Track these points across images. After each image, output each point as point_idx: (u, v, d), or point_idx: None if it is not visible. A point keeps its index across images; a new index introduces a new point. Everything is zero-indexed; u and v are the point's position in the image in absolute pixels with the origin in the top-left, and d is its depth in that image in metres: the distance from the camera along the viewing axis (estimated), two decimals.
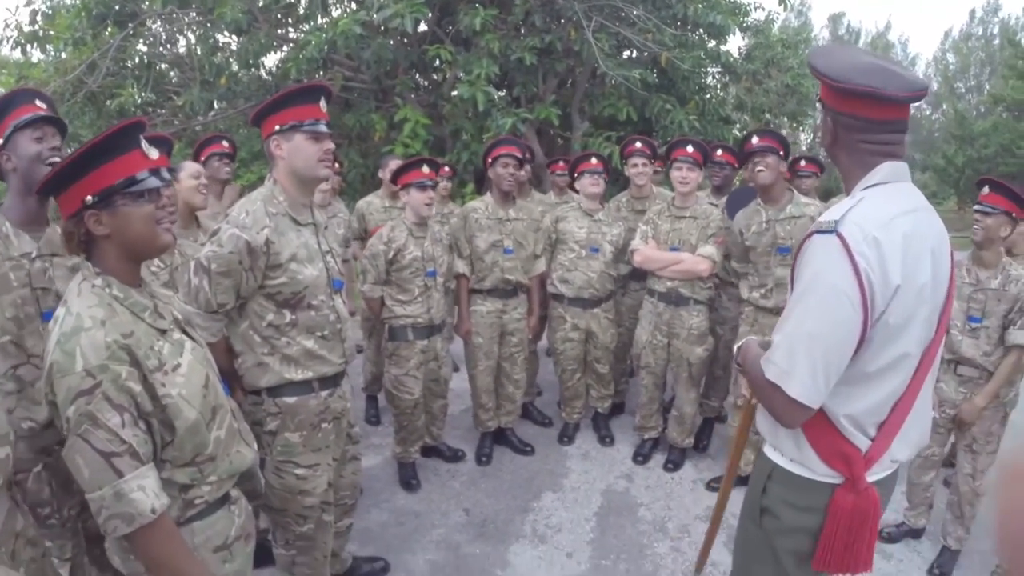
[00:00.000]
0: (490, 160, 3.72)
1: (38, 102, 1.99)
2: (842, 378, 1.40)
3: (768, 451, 1.63)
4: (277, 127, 2.08)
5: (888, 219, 1.35)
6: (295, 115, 2.08)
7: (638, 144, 4.07)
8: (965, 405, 2.89)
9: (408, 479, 3.67)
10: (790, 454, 1.54)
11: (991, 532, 0.56)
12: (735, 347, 1.77)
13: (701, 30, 7.79)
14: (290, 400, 2.18)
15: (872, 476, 1.50)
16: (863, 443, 1.46)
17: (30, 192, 1.88)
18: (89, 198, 1.35)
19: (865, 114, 1.40)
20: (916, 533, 3.28)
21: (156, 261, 2.48)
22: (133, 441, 1.30)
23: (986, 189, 2.80)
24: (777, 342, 1.43)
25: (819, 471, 1.49)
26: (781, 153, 3.26)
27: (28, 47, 7.31)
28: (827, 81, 1.40)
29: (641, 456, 4.05)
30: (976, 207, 2.83)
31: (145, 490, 1.30)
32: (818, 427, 1.46)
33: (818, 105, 1.55)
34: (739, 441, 1.98)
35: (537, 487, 3.73)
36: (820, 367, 1.36)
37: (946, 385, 2.99)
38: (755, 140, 3.27)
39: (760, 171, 3.25)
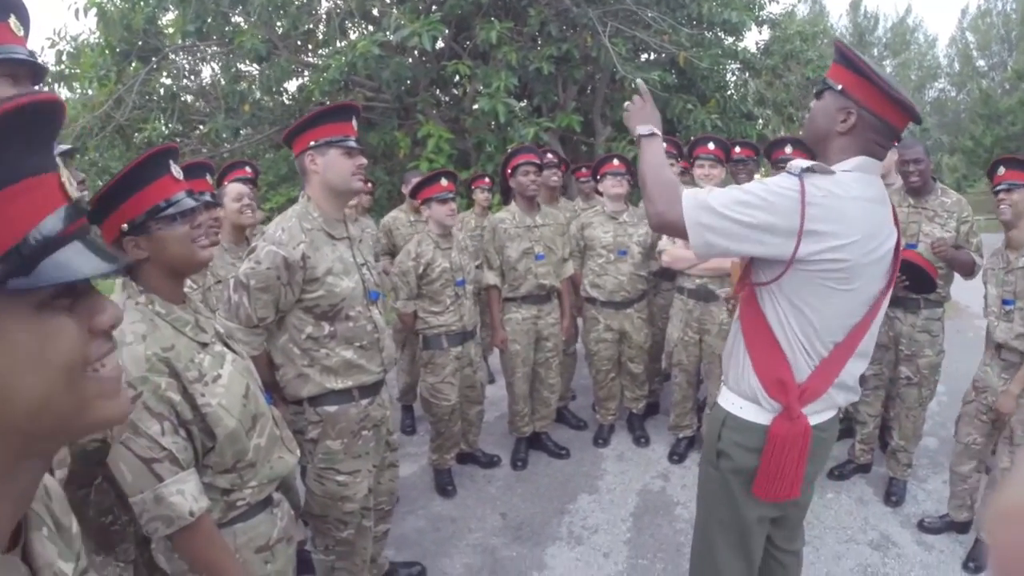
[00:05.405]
0: (510, 170, 3.78)
1: None
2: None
3: (722, 400, 1.81)
4: (312, 143, 2.15)
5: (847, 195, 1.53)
6: (329, 131, 2.15)
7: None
8: (1001, 396, 2.78)
9: (444, 485, 3.72)
10: (743, 393, 1.72)
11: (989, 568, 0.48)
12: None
13: (717, 28, 7.79)
14: (331, 409, 2.24)
15: (814, 416, 1.69)
16: (802, 373, 1.63)
17: None
18: (125, 226, 1.43)
19: (891, 120, 1.57)
20: (961, 527, 3.13)
21: (188, 282, 2.57)
22: (173, 448, 1.38)
23: (1002, 169, 2.77)
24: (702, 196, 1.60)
25: (763, 404, 1.68)
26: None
27: (55, 86, 7.54)
28: (880, 84, 1.53)
29: (676, 455, 4.05)
30: (998, 188, 2.77)
31: (184, 494, 1.37)
32: (765, 353, 1.65)
33: (828, 92, 1.64)
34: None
35: (573, 489, 3.75)
36: (706, 222, 1.56)
37: (991, 370, 2.90)
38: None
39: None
